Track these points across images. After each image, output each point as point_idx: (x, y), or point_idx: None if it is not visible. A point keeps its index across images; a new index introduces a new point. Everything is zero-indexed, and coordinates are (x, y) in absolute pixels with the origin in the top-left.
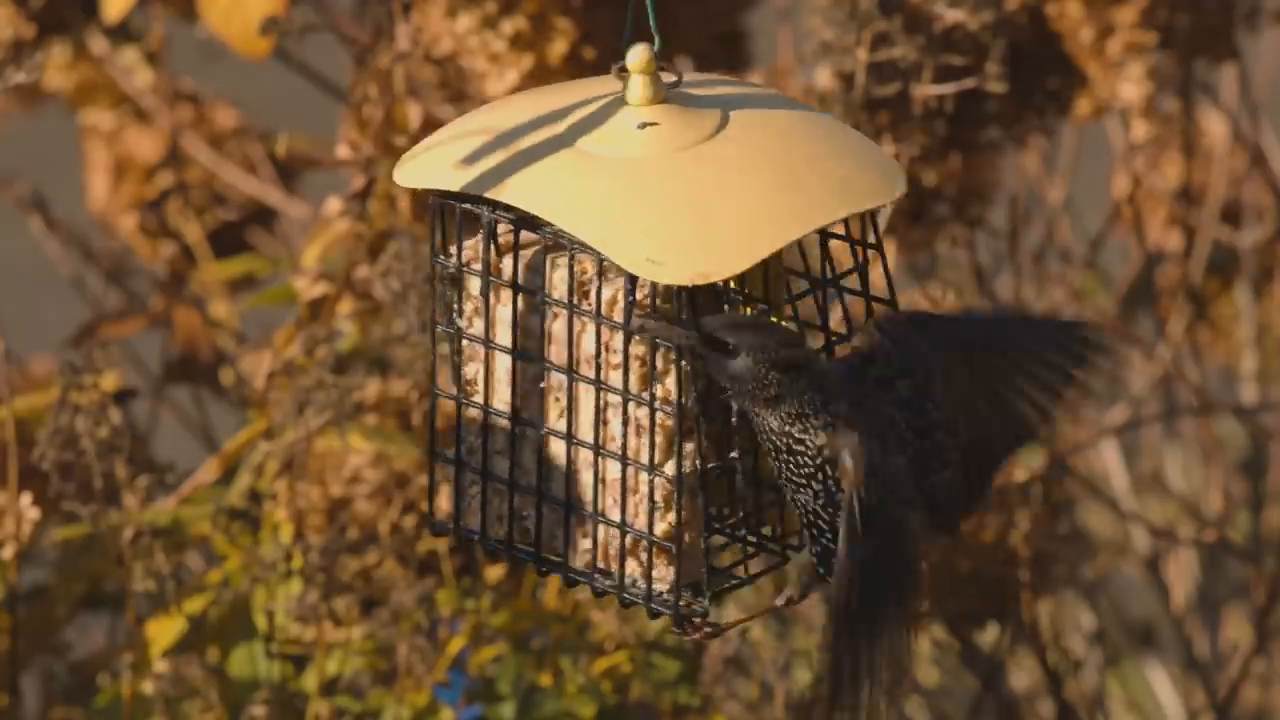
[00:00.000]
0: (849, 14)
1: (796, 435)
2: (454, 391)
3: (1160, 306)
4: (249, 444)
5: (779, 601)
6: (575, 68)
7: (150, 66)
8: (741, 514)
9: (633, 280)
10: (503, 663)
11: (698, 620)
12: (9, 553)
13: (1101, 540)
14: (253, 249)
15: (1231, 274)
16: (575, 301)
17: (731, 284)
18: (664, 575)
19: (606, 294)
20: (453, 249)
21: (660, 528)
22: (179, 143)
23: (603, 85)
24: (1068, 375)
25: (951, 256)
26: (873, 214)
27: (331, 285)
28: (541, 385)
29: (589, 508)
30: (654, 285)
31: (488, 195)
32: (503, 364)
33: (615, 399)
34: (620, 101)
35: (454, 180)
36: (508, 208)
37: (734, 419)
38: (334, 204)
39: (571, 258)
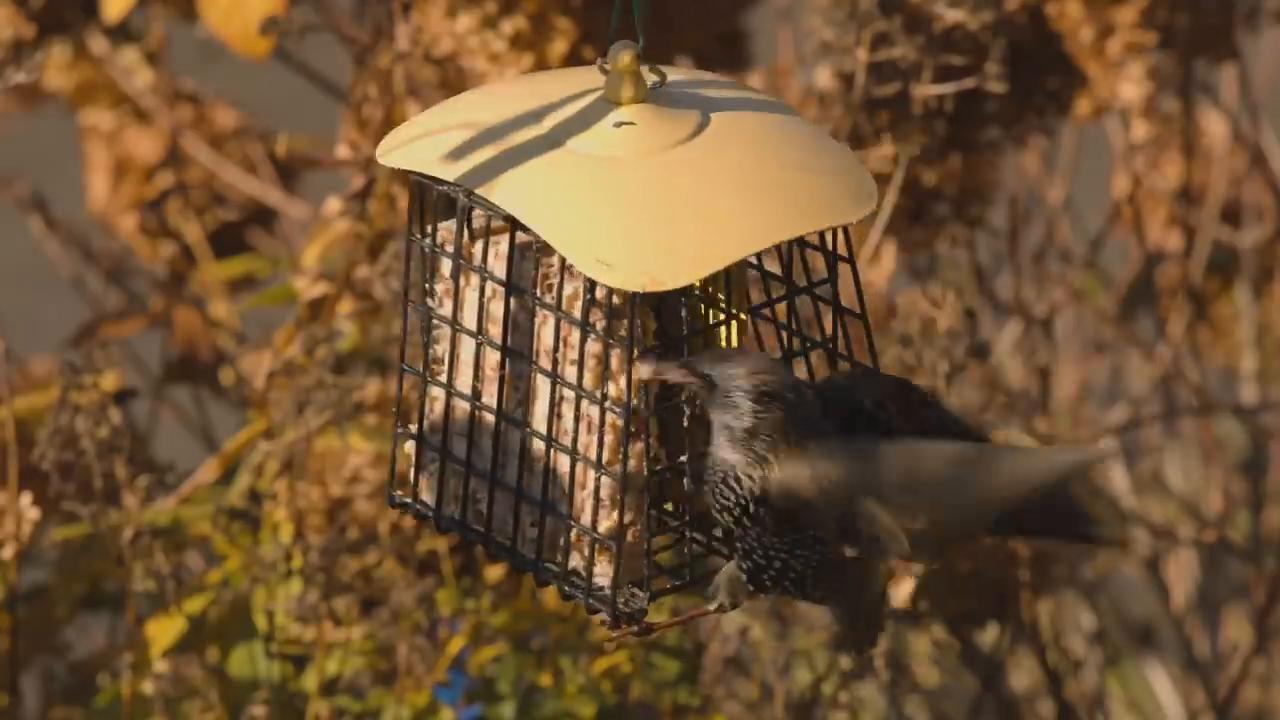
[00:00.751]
0: (849, 14)
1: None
2: (421, 370)
3: (1160, 306)
4: (249, 444)
5: (711, 608)
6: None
7: (150, 66)
8: (690, 515)
9: (593, 280)
10: (503, 663)
11: (632, 619)
12: (9, 553)
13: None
14: (253, 249)
15: (1231, 274)
16: (539, 294)
17: (699, 289)
18: (605, 571)
19: (568, 289)
20: (429, 228)
21: (604, 525)
22: (179, 143)
23: (589, 77)
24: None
25: (951, 256)
26: (845, 232)
27: (331, 285)
28: (502, 373)
29: (538, 497)
30: (611, 289)
31: (460, 183)
32: (468, 347)
33: (570, 394)
34: (601, 99)
35: (431, 166)
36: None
37: (686, 422)
38: (334, 204)
39: (538, 250)
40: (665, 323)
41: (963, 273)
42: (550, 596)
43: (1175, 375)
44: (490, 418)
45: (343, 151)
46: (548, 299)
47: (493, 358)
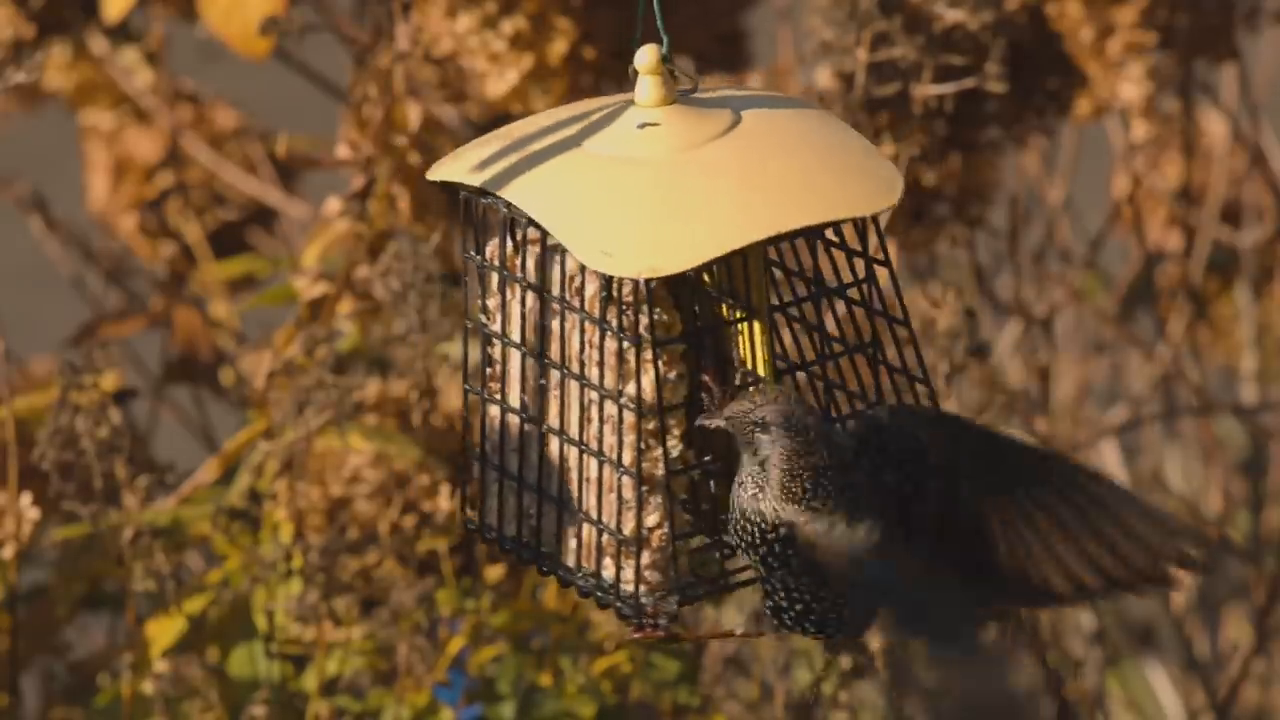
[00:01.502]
0: (849, 14)
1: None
2: (481, 389)
3: (1160, 306)
4: (249, 444)
5: (739, 631)
6: (575, 68)
7: (150, 66)
8: (722, 518)
9: (607, 276)
10: (503, 663)
11: (660, 624)
12: (9, 553)
13: None
14: (253, 249)
15: (1231, 274)
16: (568, 298)
17: (706, 278)
18: (632, 576)
19: (589, 290)
20: (484, 246)
21: (629, 526)
22: (179, 143)
23: (627, 96)
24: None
25: (951, 256)
26: (876, 224)
27: (331, 285)
28: (543, 382)
29: (578, 506)
30: (635, 283)
31: (493, 191)
32: (516, 361)
33: (596, 396)
34: (630, 103)
35: (470, 177)
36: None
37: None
38: (334, 204)
39: (563, 254)
40: (687, 319)
41: (963, 273)
42: (550, 596)
43: (1175, 375)
44: (536, 430)
45: (343, 151)
46: (575, 302)
47: (535, 369)
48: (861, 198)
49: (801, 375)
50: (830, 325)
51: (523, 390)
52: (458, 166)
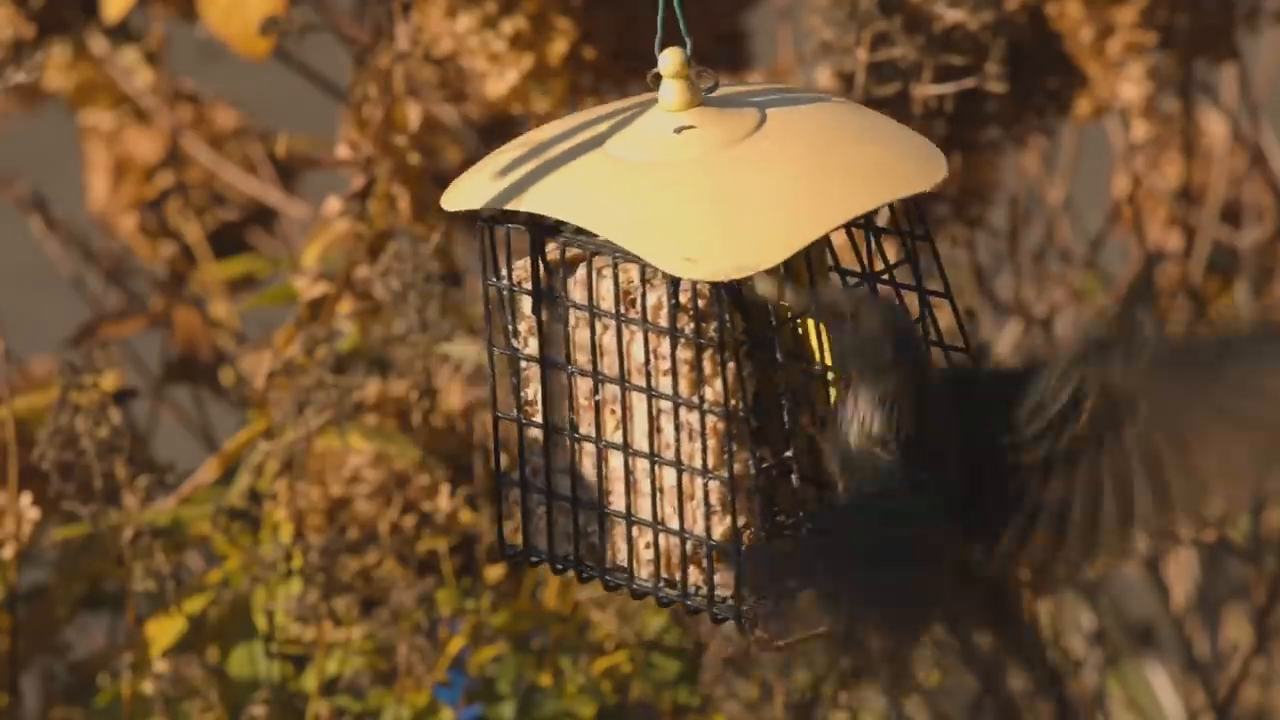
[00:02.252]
0: (849, 14)
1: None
2: (515, 414)
3: (1160, 306)
4: (249, 444)
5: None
6: (575, 68)
7: (150, 66)
8: (803, 514)
9: (675, 283)
10: (503, 663)
11: (761, 625)
12: (9, 553)
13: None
14: (253, 249)
15: (1231, 274)
16: (622, 310)
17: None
18: (726, 580)
19: (651, 300)
20: (504, 270)
21: (719, 531)
22: (179, 143)
23: (637, 102)
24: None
25: (951, 256)
26: (918, 204)
27: (331, 285)
28: (597, 399)
29: (649, 517)
30: (696, 287)
31: (528, 209)
32: (559, 381)
33: (667, 405)
34: (652, 106)
35: (495, 198)
36: (554, 224)
37: (787, 419)
38: (334, 204)
39: (615, 267)
40: (752, 324)
41: (963, 273)
42: (550, 596)
43: None
44: (591, 448)
45: (343, 151)
46: (632, 314)
47: (585, 386)
48: (917, 173)
49: None
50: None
51: (571, 409)
52: (479, 190)
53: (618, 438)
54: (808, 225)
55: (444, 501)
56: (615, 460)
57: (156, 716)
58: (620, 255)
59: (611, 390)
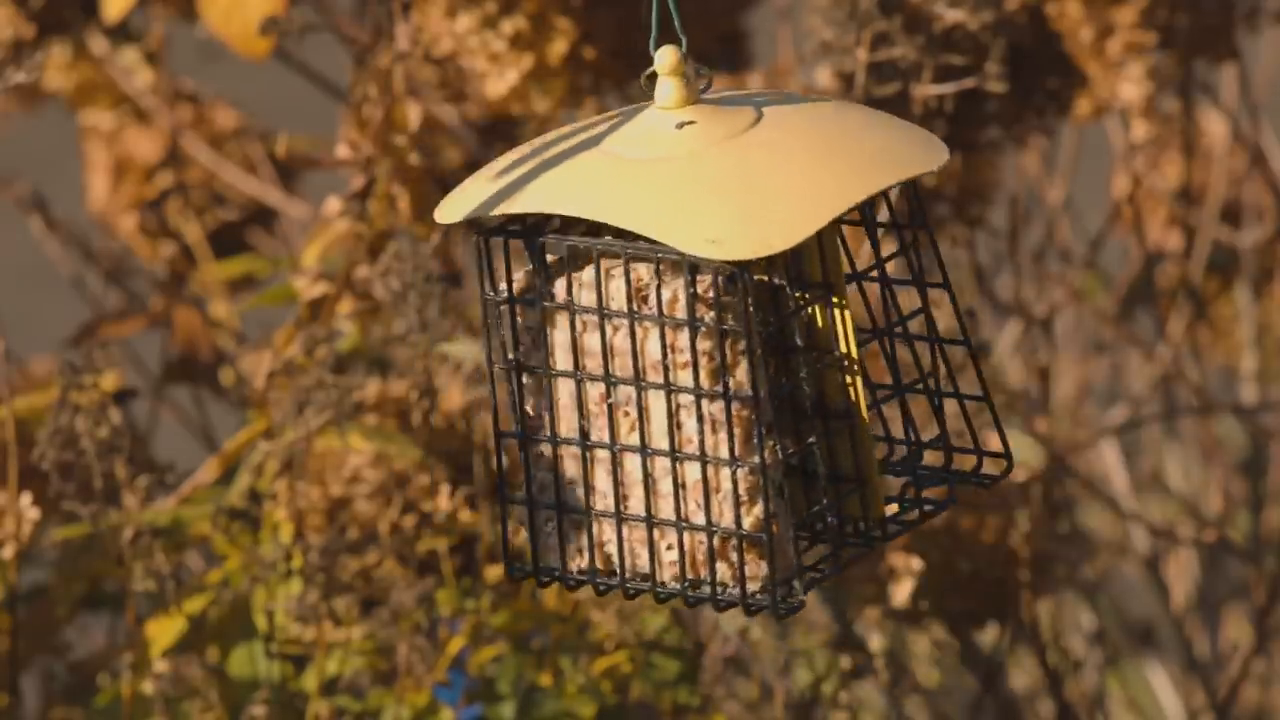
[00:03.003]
0: (849, 14)
1: None
2: (516, 429)
3: (1160, 306)
4: (249, 444)
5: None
6: (575, 68)
7: (150, 66)
8: (821, 506)
9: (693, 273)
10: (503, 663)
11: (794, 608)
12: (9, 553)
13: (1101, 540)
14: (253, 249)
15: (1231, 274)
16: (635, 309)
17: (787, 272)
18: (756, 572)
19: (666, 294)
20: (502, 284)
21: (748, 521)
22: (179, 143)
23: (632, 108)
24: None
25: (951, 256)
26: (917, 193)
27: (331, 285)
28: (609, 403)
29: (671, 517)
30: (714, 278)
31: (533, 210)
32: (566, 389)
33: (686, 399)
34: (646, 107)
35: (494, 205)
36: (551, 231)
37: (808, 407)
38: (334, 204)
39: (626, 265)
40: (765, 311)
41: (963, 273)
42: (550, 596)
43: (1175, 375)
44: (604, 454)
45: (343, 151)
46: (645, 310)
47: (595, 392)
48: (923, 154)
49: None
50: (875, 301)
51: (582, 417)
52: (477, 199)
53: (633, 440)
54: (827, 202)
55: (444, 501)
56: (630, 464)
57: (156, 716)
58: (630, 253)
59: (625, 392)
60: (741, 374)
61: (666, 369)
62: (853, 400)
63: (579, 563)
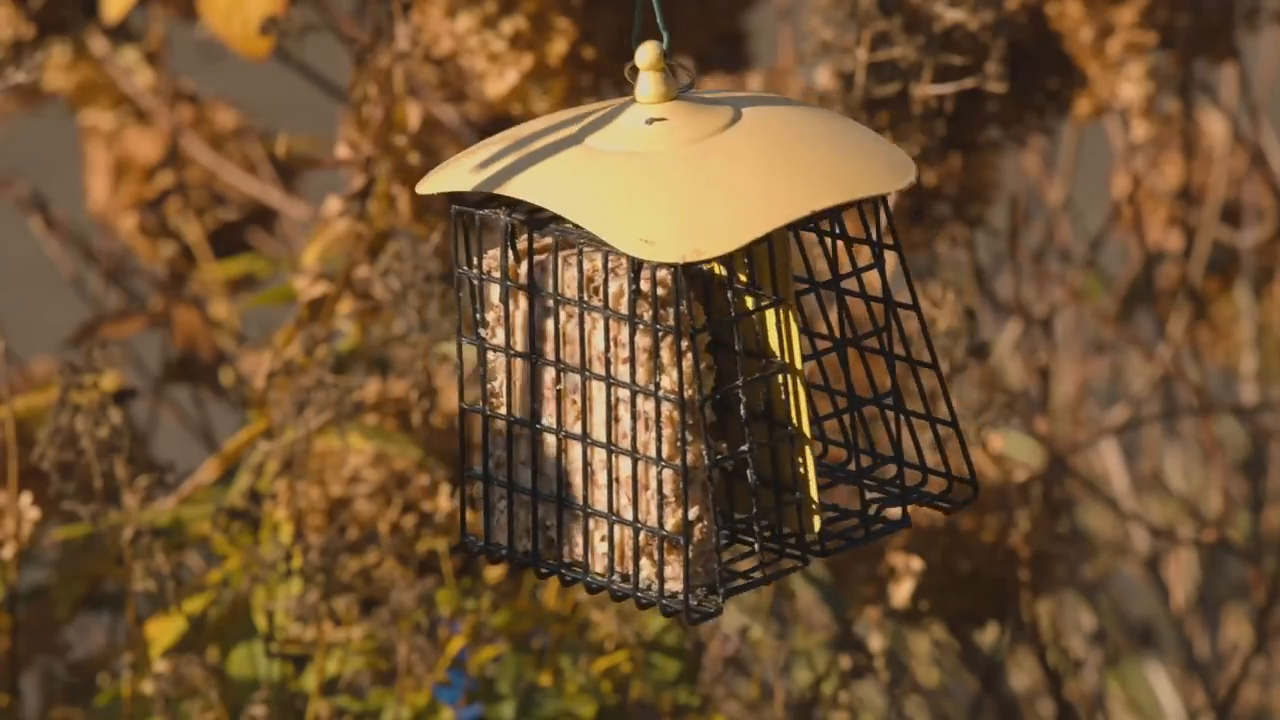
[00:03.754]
0: (849, 14)
1: None
2: (480, 405)
3: (1160, 306)
4: (249, 444)
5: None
6: (575, 68)
7: (150, 66)
8: (755, 513)
9: (636, 270)
10: (503, 663)
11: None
12: (9, 553)
13: (1101, 540)
14: (253, 249)
15: (1231, 274)
16: (586, 299)
17: (741, 276)
18: (675, 573)
19: (613, 287)
20: (474, 259)
21: (671, 522)
22: (179, 143)
23: (623, 100)
24: None
25: (951, 256)
26: (886, 210)
27: (331, 285)
28: (558, 389)
29: (605, 509)
30: (655, 275)
31: (498, 192)
32: (522, 371)
33: (625, 394)
34: (631, 101)
35: (468, 182)
36: (525, 212)
37: (743, 412)
38: (334, 204)
39: (580, 254)
40: (713, 314)
41: (963, 273)
42: (550, 596)
43: (1175, 375)
44: (551, 439)
45: (343, 151)
46: (595, 302)
47: (548, 376)
48: (884, 175)
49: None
50: (834, 315)
51: (533, 400)
52: (455, 175)
53: (578, 428)
54: (765, 215)
55: (444, 501)
56: (574, 451)
57: (156, 716)
58: (586, 243)
59: (573, 380)
60: (676, 374)
61: (609, 362)
62: (793, 410)
63: (525, 543)
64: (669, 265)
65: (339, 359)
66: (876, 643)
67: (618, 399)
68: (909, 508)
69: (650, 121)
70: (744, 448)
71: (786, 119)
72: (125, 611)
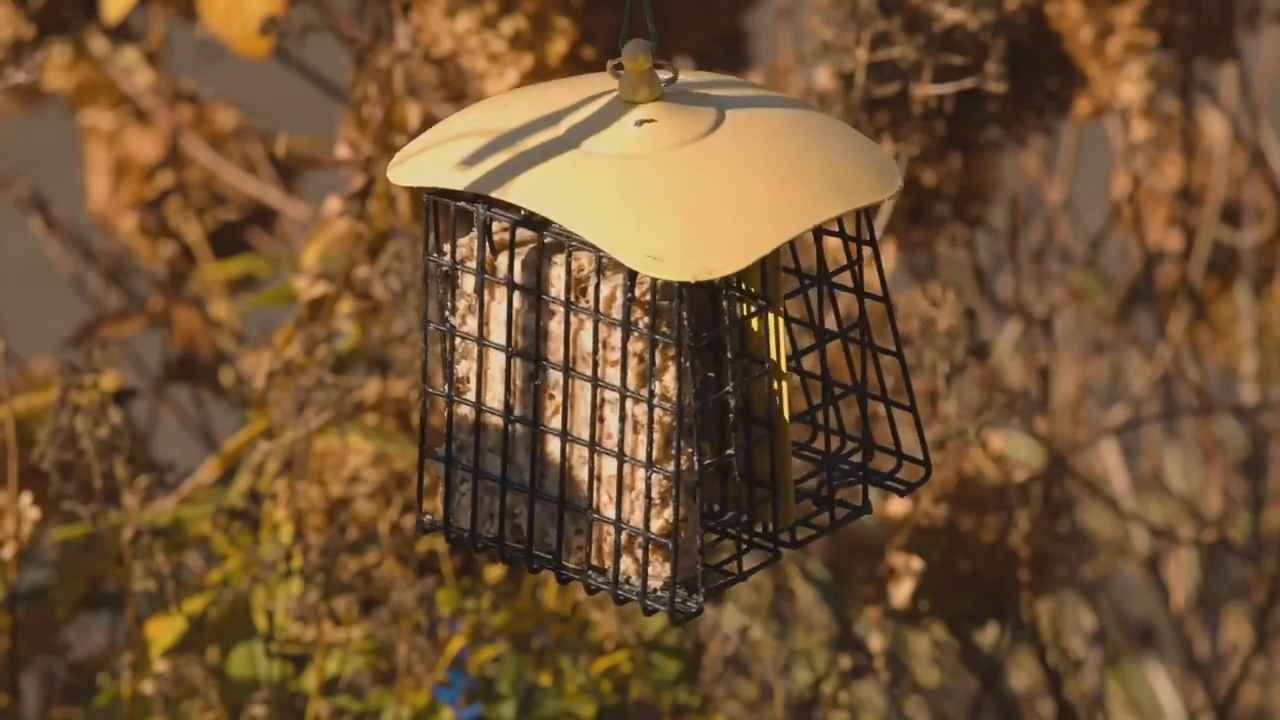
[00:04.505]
0: (849, 14)
1: None
2: (445, 390)
3: (1160, 306)
4: (249, 444)
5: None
6: (575, 68)
7: (150, 66)
8: (735, 510)
9: (631, 276)
10: (503, 663)
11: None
12: (9, 553)
13: (1101, 540)
14: (253, 249)
15: (1231, 274)
16: (572, 299)
17: (731, 282)
18: (659, 572)
19: (605, 291)
20: (446, 246)
21: (657, 524)
22: (179, 143)
23: (600, 83)
24: None
25: (951, 256)
26: (869, 211)
27: (331, 285)
28: (536, 383)
29: (583, 505)
30: (653, 282)
31: (484, 193)
32: (496, 362)
33: (612, 396)
34: (616, 99)
35: (450, 179)
36: (503, 205)
37: (731, 415)
38: (334, 204)
39: (568, 254)
40: (702, 319)
41: (963, 273)
42: (550, 596)
43: (1175, 375)
44: (524, 430)
45: (343, 151)
46: (582, 303)
47: (524, 370)
48: (876, 182)
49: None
50: (816, 312)
51: (507, 391)
52: (434, 168)
53: (556, 423)
54: (774, 229)
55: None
56: (550, 445)
57: (156, 716)
58: (575, 242)
59: (553, 376)
60: (669, 379)
61: (596, 364)
62: (776, 410)
63: (489, 528)
64: (678, 282)
65: (339, 359)
66: (876, 643)
67: (603, 400)
68: (870, 496)
69: (640, 124)
70: (730, 451)
71: (770, 119)
72: (125, 611)
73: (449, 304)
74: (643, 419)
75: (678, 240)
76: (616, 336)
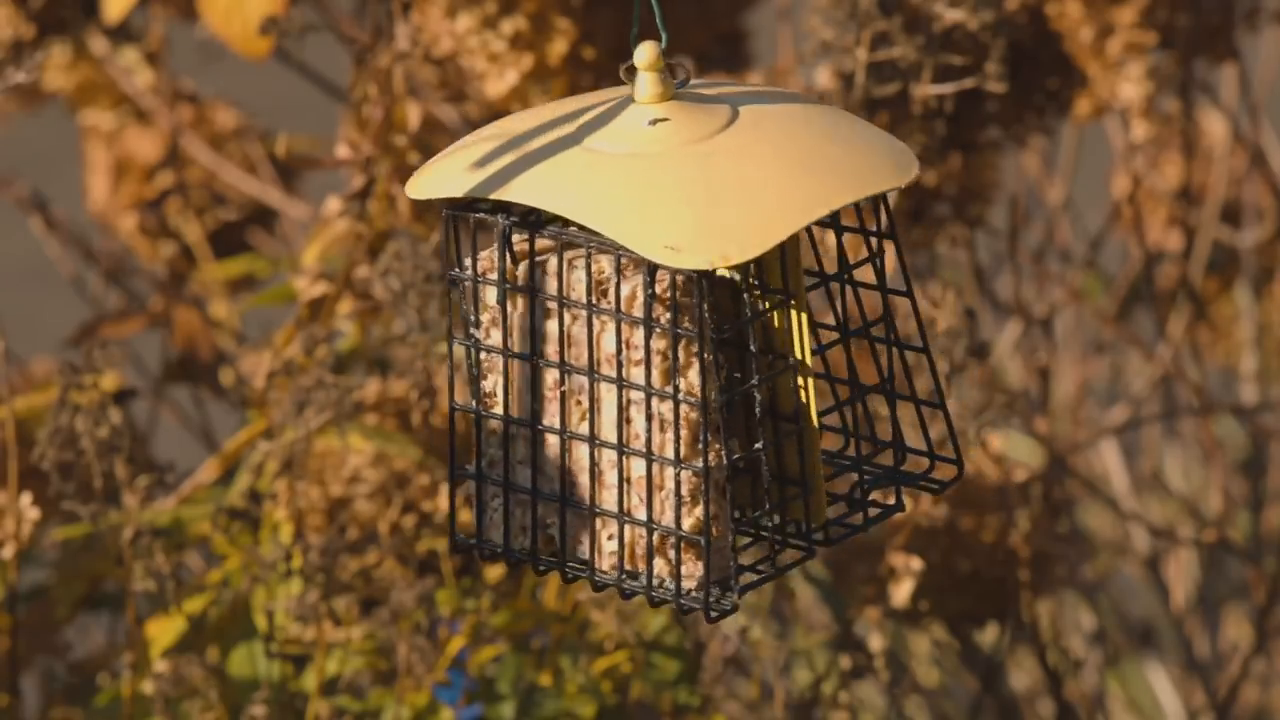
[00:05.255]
0: (849, 14)
1: None
2: (473, 405)
3: (1160, 306)
4: (249, 444)
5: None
6: (575, 68)
7: (150, 66)
8: (766, 508)
9: (651, 273)
10: (503, 663)
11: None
12: (9, 553)
13: (1101, 540)
14: (253, 249)
15: (1231, 274)
16: (594, 301)
17: (750, 276)
18: (692, 572)
19: (625, 290)
20: (467, 260)
21: (688, 523)
22: (179, 143)
23: (613, 93)
24: None
25: (951, 256)
26: (885, 203)
27: (331, 285)
28: (562, 390)
29: (614, 508)
30: (673, 278)
31: (500, 197)
32: (521, 371)
33: (637, 396)
34: (629, 101)
35: (465, 186)
36: (521, 214)
37: (758, 410)
38: (334, 204)
39: (588, 257)
40: (724, 314)
41: (963, 273)
42: (550, 596)
43: (1175, 375)
44: (553, 439)
45: (343, 151)
46: (604, 304)
47: (550, 378)
48: (892, 169)
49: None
50: (837, 307)
51: (532, 400)
52: (450, 178)
53: (583, 429)
54: (790, 215)
55: (444, 501)
56: (579, 451)
57: (156, 716)
58: (594, 246)
59: (579, 381)
60: (694, 376)
61: (620, 364)
62: (803, 405)
63: (522, 541)
64: (694, 272)
65: (339, 359)
66: (876, 643)
67: (629, 400)
68: (905, 494)
69: (653, 122)
70: (758, 445)
71: (784, 114)
72: (125, 611)
73: (473, 318)
74: (669, 416)
75: (694, 230)
76: (639, 335)
